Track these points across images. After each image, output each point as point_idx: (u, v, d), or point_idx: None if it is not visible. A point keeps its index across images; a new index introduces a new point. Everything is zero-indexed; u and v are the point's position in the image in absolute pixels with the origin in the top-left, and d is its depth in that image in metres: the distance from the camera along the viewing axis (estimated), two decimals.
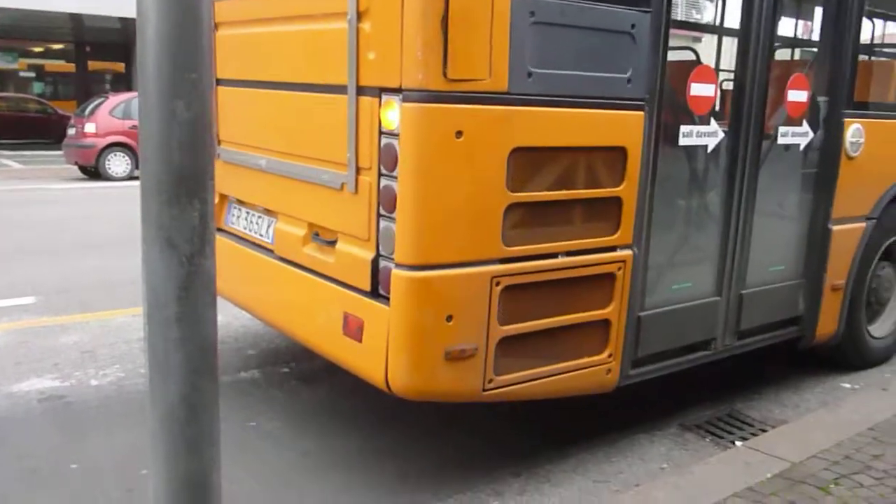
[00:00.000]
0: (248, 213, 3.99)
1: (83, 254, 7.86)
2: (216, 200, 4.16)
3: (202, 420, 1.71)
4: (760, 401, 4.53)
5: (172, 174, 1.59)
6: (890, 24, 5.05)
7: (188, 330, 1.65)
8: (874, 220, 4.68)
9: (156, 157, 1.59)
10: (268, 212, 3.80)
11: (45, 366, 4.69)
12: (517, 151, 2.98)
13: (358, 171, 3.06)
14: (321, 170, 3.27)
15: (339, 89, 3.09)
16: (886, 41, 5.11)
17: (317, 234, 3.41)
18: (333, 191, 3.21)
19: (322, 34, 3.19)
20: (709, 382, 4.53)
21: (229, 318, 5.42)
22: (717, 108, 3.78)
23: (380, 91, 2.91)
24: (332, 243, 3.29)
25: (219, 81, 3.98)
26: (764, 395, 4.60)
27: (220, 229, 4.17)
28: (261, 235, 3.85)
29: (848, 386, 4.80)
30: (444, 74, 2.76)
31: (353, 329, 3.12)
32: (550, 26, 2.98)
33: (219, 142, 4.06)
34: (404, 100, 2.80)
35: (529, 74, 2.95)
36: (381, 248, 3.01)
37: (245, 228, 3.99)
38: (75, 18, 21.94)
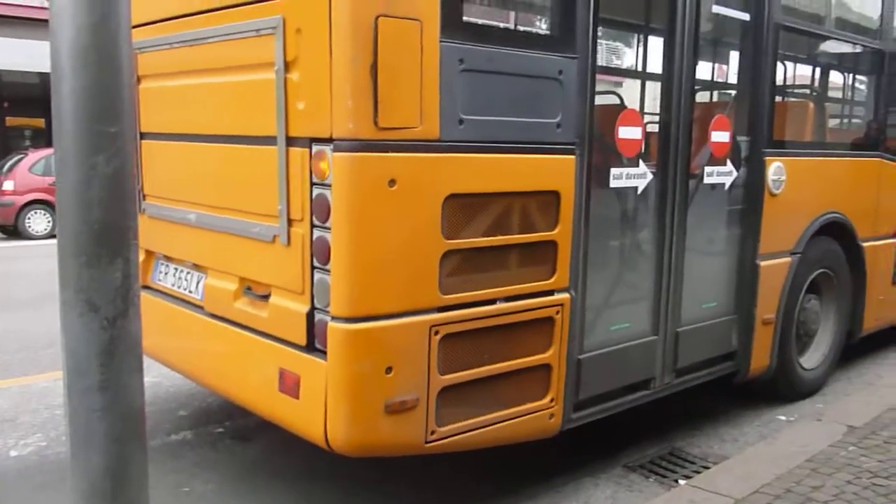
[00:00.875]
0: (175, 269, 3.86)
1: (0, 316, 7.51)
2: (142, 257, 4.03)
3: (129, 492, 1.62)
4: (700, 437, 4.55)
5: (92, 232, 1.52)
6: (802, 66, 5.27)
7: (112, 398, 1.56)
8: (799, 255, 4.81)
9: (74, 214, 1.52)
10: (197, 267, 3.69)
11: None
12: (451, 198, 2.96)
13: (290, 222, 3.00)
14: (252, 223, 3.19)
15: (268, 140, 3.03)
16: (800, 82, 5.32)
17: (248, 289, 3.31)
18: (265, 243, 3.13)
19: (249, 85, 3.14)
20: (648, 419, 4.51)
21: (159, 378, 5.23)
22: (645, 150, 3.84)
23: (310, 141, 2.86)
24: (265, 297, 3.20)
25: (143, 135, 3.87)
26: (703, 431, 4.62)
27: (146, 287, 4.02)
28: (190, 292, 3.72)
29: (783, 418, 4.86)
30: (375, 123, 2.74)
31: (290, 385, 3.02)
32: (480, 73, 3.00)
33: (144, 196, 3.94)
34: (335, 149, 2.76)
35: (461, 121, 2.95)
36: (315, 300, 2.94)
37: (173, 285, 3.86)
38: None
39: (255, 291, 3.27)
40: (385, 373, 2.88)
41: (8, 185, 14.57)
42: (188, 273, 3.76)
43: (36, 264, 10.72)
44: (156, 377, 5.26)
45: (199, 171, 3.56)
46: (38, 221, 14.60)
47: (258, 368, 3.20)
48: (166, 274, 3.93)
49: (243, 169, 3.25)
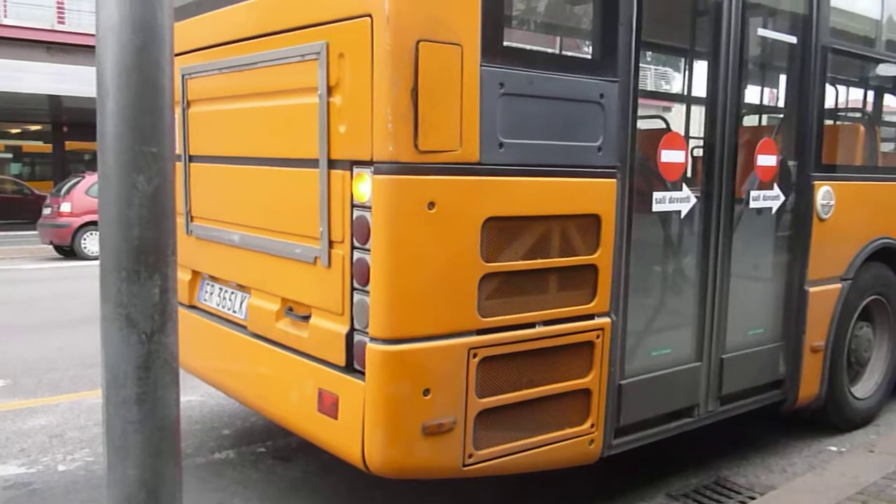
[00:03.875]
0: (220, 289, 3.93)
1: (54, 333, 7.71)
2: (189, 277, 4.12)
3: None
4: (746, 466, 4.44)
5: (132, 249, 1.56)
6: (851, 88, 5.18)
7: (148, 411, 1.58)
8: (849, 281, 4.69)
9: (115, 231, 1.56)
10: (241, 287, 3.75)
11: (11, 451, 4.53)
12: (490, 221, 2.97)
13: (331, 244, 3.03)
14: (294, 244, 3.24)
15: (311, 163, 3.08)
16: (849, 105, 5.22)
17: (290, 309, 3.35)
18: (307, 265, 3.17)
19: (293, 109, 3.20)
20: (692, 447, 4.43)
21: (204, 397, 5.31)
22: (689, 174, 3.81)
23: (351, 164, 2.90)
24: (306, 318, 3.23)
25: (192, 158, 3.97)
26: (749, 460, 4.52)
27: (193, 306, 4.11)
28: (234, 312, 3.78)
29: (834, 449, 4.74)
30: (416, 146, 2.77)
31: (328, 405, 3.04)
32: (520, 97, 3.01)
33: (192, 218, 4.03)
34: (375, 172, 2.79)
35: (500, 145, 2.97)
36: (355, 322, 2.96)
37: (218, 305, 3.92)
38: (53, 100, 22.09)
39: (297, 312, 3.30)
40: (423, 395, 2.88)
41: (65, 207, 14.99)
42: (232, 293, 3.82)
43: (91, 284, 10.95)
44: (202, 396, 5.36)
45: (243, 193, 3.62)
46: (93, 242, 14.95)
47: (298, 388, 3.23)
48: (211, 294, 4.00)
49: (286, 191, 3.31)
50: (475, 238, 2.94)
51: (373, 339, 2.86)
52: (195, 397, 5.38)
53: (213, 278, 3.99)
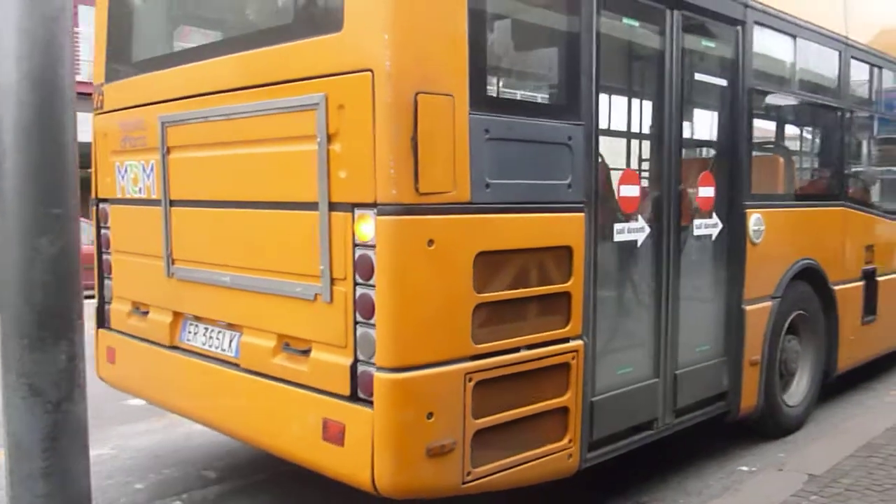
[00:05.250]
0: (206, 328, 4.04)
1: None
2: (170, 319, 4.22)
3: None
4: (666, 490, 4.56)
5: (35, 314, 1.46)
6: (774, 124, 5.71)
7: (56, 485, 1.48)
8: (779, 299, 5.16)
9: (17, 296, 1.45)
10: (230, 326, 3.88)
11: None
12: (481, 255, 3.23)
13: (332, 281, 3.23)
14: (292, 283, 3.41)
15: (307, 206, 3.28)
16: (773, 139, 5.74)
17: (287, 345, 3.51)
18: (306, 302, 3.35)
19: (287, 156, 3.39)
20: (613, 472, 4.47)
21: (116, 450, 5.21)
22: (642, 206, 4.18)
23: (352, 206, 3.12)
24: (306, 352, 3.41)
25: (173, 202, 4.09)
26: (668, 484, 4.64)
27: (175, 347, 4.20)
28: (223, 350, 3.90)
29: (746, 469, 4.92)
30: (416, 188, 3.02)
31: (334, 434, 3.22)
32: (502, 141, 3.31)
33: (173, 261, 4.13)
34: (379, 213, 3.02)
35: (487, 185, 3.24)
36: (359, 353, 3.16)
37: (204, 344, 4.03)
38: None
39: (295, 347, 3.47)
40: (427, 418, 3.10)
41: None
42: (220, 332, 3.95)
43: None
44: (113, 448, 5.26)
45: (233, 235, 3.77)
46: None
47: (300, 419, 3.39)
48: (195, 334, 4.10)
49: (281, 232, 3.48)
50: (468, 271, 3.19)
51: (380, 369, 3.06)
52: (106, 450, 5.20)
53: (198, 318, 4.10)
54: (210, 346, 3.99)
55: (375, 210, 3.03)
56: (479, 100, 3.21)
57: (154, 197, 4.21)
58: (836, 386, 6.25)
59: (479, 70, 3.21)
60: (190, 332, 4.15)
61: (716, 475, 4.81)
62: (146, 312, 4.43)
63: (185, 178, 4.03)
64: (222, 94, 3.71)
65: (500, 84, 3.73)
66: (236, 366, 3.78)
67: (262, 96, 3.49)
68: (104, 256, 4.77)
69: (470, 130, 3.16)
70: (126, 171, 4.45)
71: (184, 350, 4.16)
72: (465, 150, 3.15)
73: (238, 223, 3.73)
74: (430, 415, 3.11)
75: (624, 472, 4.59)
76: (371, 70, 2.99)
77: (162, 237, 4.14)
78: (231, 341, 3.86)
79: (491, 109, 3.28)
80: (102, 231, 4.77)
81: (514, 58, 3.73)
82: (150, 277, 4.29)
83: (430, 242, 3.07)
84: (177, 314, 4.22)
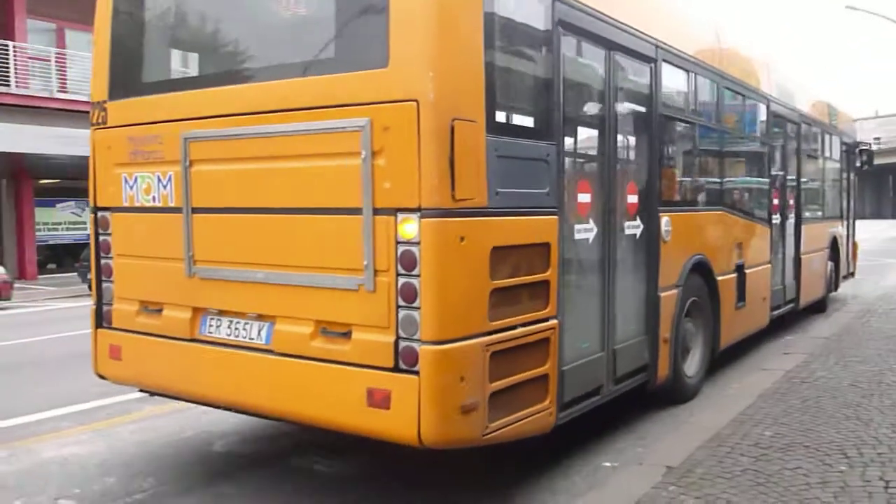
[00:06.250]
0: (230, 321, 4.55)
1: None
2: (189, 315, 4.69)
3: None
4: (535, 491, 4.76)
5: None
6: (679, 143, 6.86)
7: None
8: (681, 287, 6.27)
9: None
10: (261, 317, 4.42)
11: None
12: (494, 250, 4.01)
13: (375, 273, 3.90)
14: (332, 276, 4.04)
15: (350, 211, 3.93)
16: (675, 155, 6.87)
17: (325, 329, 4.13)
18: (347, 291, 3.99)
19: (329, 169, 4.02)
20: (483, 473, 4.94)
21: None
22: (591, 211, 5.10)
23: (395, 210, 3.81)
24: (345, 335, 4.04)
25: (194, 210, 4.58)
26: (538, 484, 4.86)
27: (194, 339, 4.68)
28: (251, 339, 4.43)
29: (608, 464, 5.20)
30: (453, 196, 3.76)
31: (379, 399, 3.88)
32: (506, 157, 4.11)
33: (194, 261, 4.61)
34: (423, 216, 3.73)
35: (497, 193, 4.03)
36: (401, 331, 3.85)
37: (228, 335, 4.54)
38: None
39: (334, 330, 4.09)
40: (460, 381, 3.83)
41: None
42: (247, 324, 4.48)
43: None
44: None
45: (266, 237, 4.31)
46: None
47: (343, 391, 4.01)
48: (218, 326, 4.60)
49: (321, 233, 4.09)
50: (486, 262, 3.97)
51: (424, 342, 3.77)
52: None
53: (222, 312, 4.61)
54: (235, 335, 4.51)
55: (420, 213, 3.74)
56: (492, 125, 4.00)
57: (172, 205, 4.68)
58: None
59: (491, 102, 4.00)
60: (211, 326, 4.64)
61: (581, 472, 5.07)
62: (159, 310, 4.86)
63: (209, 188, 4.54)
64: (252, 116, 4.28)
65: (504, 113, 4.51)
66: (268, 351, 4.34)
67: (299, 119, 4.11)
68: (103, 261, 5.15)
69: (486, 149, 3.94)
70: (136, 181, 4.88)
71: (204, 342, 4.65)
72: (482, 165, 3.93)
73: (271, 226, 4.29)
74: (462, 378, 3.85)
75: (495, 475, 4.98)
76: (417, 100, 3.71)
77: (183, 240, 4.62)
78: (260, 330, 4.41)
79: (499, 133, 4.07)
80: (101, 237, 5.14)
81: (512, 92, 4.53)
82: (166, 278, 4.75)
83: (462, 239, 3.82)
84: (196, 310, 4.70)
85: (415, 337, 3.82)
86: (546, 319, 4.47)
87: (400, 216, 3.81)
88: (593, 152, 5.39)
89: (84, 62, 20.03)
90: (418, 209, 3.75)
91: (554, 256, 4.50)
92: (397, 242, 3.84)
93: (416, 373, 3.80)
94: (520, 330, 4.26)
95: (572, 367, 4.80)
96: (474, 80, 3.91)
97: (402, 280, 3.84)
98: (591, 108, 5.33)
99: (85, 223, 23.98)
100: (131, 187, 4.92)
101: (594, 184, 5.23)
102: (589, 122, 5.34)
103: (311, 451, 5.52)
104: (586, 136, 5.34)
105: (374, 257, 3.90)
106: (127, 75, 5.04)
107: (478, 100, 3.91)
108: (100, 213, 5.15)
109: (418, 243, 3.77)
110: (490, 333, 4.02)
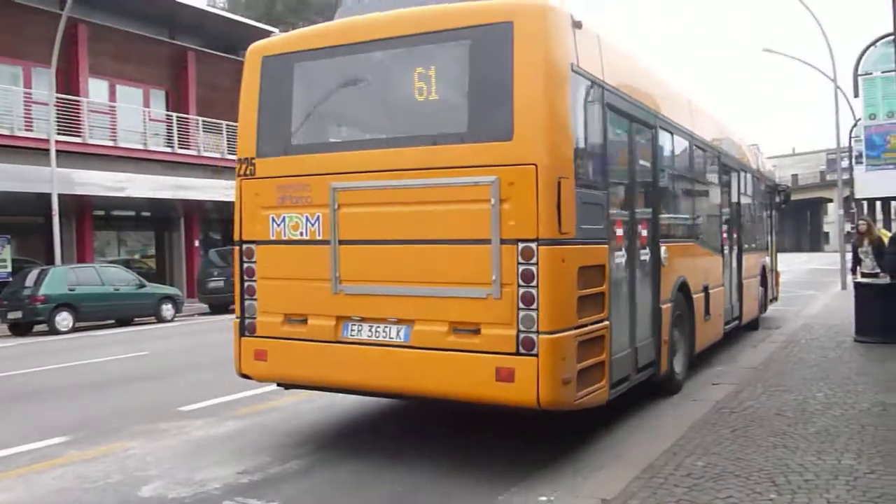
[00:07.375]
0: (371, 326, 6.02)
1: None
2: (333, 323, 6.14)
3: None
4: None
5: None
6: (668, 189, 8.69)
7: None
8: (672, 301, 8.06)
9: None
10: (400, 321, 5.91)
11: None
12: (580, 268, 5.66)
13: (502, 285, 5.47)
14: (465, 288, 5.59)
15: (480, 241, 5.50)
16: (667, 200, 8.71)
17: (457, 328, 5.66)
18: (478, 300, 5.55)
19: (464, 211, 5.58)
20: None
21: None
22: (623, 242, 6.82)
23: (517, 241, 5.41)
24: (475, 331, 5.59)
25: (341, 241, 6.06)
26: None
27: (337, 341, 6.12)
28: (390, 339, 5.91)
29: (545, 499, 5.23)
30: (559, 230, 5.39)
31: (506, 375, 5.43)
32: (583, 203, 5.78)
33: (340, 281, 6.08)
34: (540, 244, 5.34)
35: (580, 228, 5.69)
36: (521, 326, 5.42)
37: (369, 336, 6.00)
38: None
39: (465, 328, 5.63)
40: (563, 360, 5.43)
41: None
42: (386, 327, 5.95)
43: None
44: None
45: (405, 261, 5.82)
46: None
47: (476, 371, 5.53)
48: (359, 331, 6.06)
49: (456, 257, 5.63)
50: (575, 277, 5.61)
51: (541, 333, 5.35)
52: None
53: (364, 319, 6.06)
54: (375, 336, 5.99)
55: (538, 243, 5.35)
56: (577, 181, 5.67)
57: (320, 238, 6.14)
58: (618, 407, 7.11)
59: (576, 164, 5.68)
60: (353, 330, 6.10)
61: None
62: (304, 320, 6.28)
63: (353, 225, 6.03)
64: (391, 172, 5.83)
65: (582, 171, 6.18)
66: (407, 347, 5.83)
67: (434, 175, 5.68)
68: (247, 283, 6.54)
69: (576, 198, 5.60)
70: (283, 220, 6.32)
71: (346, 343, 6.10)
72: (574, 208, 5.58)
73: (409, 253, 5.81)
74: (564, 358, 5.44)
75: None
76: (535, 164, 5.35)
77: (330, 265, 6.08)
78: (399, 331, 5.90)
79: (580, 186, 5.74)
80: (246, 265, 6.54)
81: (585, 156, 6.20)
82: (313, 294, 6.19)
83: (563, 260, 5.45)
84: (339, 318, 6.15)
85: (532, 329, 5.40)
86: (602, 321, 6.12)
87: (521, 245, 5.41)
88: (623, 198, 7.13)
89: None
90: (536, 239, 5.37)
91: (606, 274, 6.18)
92: (518, 263, 5.43)
93: (535, 355, 5.38)
94: (590, 327, 5.89)
95: (616, 357, 6.45)
96: (569, 150, 5.60)
97: (522, 290, 5.43)
98: (622, 165, 7.10)
99: (5, 260, 23.94)
100: (278, 225, 6.35)
101: (624, 221, 6.97)
102: (620, 175, 7.09)
103: (244, 495, 5.47)
104: (619, 186, 7.09)
105: (500, 273, 5.48)
106: (274, 137, 6.49)
107: (571, 163, 5.59)
108: (245, 245, 6.54)
109: (536, 263, 5.38)
110: (577, 328, 5.64)
